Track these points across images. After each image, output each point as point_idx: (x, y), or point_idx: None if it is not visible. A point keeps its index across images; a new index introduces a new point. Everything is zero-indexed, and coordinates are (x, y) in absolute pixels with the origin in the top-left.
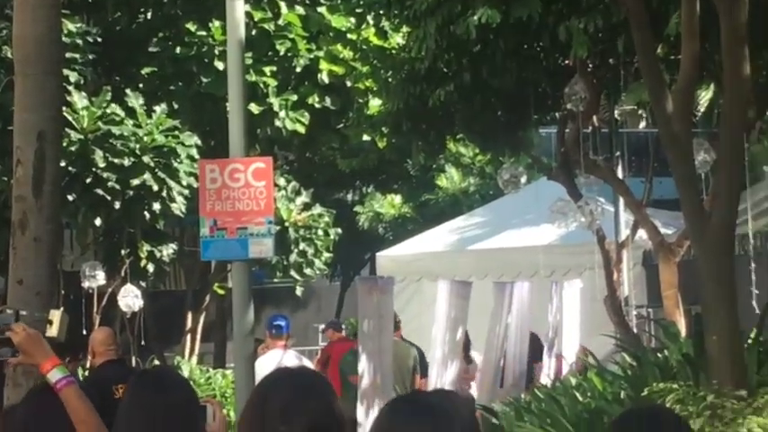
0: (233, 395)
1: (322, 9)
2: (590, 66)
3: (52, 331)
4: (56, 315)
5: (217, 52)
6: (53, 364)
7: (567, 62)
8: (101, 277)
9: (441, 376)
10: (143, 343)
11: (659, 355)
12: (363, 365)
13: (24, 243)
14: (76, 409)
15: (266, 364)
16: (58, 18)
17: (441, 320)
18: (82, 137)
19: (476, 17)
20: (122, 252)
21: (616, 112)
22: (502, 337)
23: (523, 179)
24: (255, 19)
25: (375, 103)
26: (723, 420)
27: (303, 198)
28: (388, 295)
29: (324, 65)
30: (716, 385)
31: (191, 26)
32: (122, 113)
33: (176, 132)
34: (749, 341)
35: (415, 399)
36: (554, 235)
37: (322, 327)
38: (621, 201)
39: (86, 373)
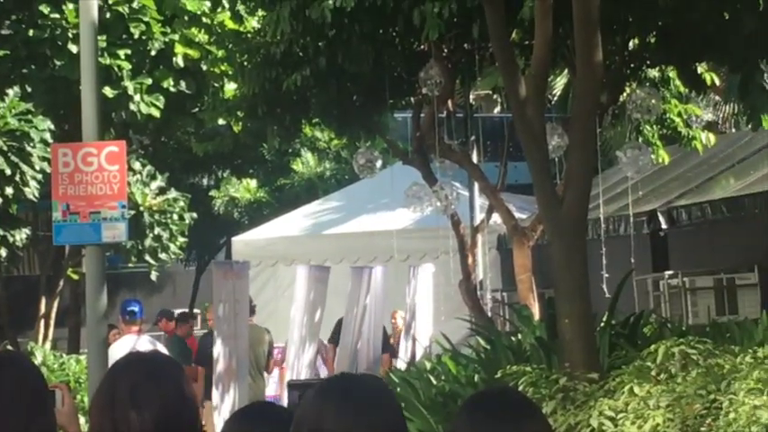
0: (87, 381)
1: None
2: (445, 50)
3: None
4: None
5: (70, 35)
6: None
7: (422, 47)
8: None
9: (298, 358)
10: None
11: (513, 338)
12: (219, 349)
13: None
14: None
15: (120, 349)
16: None
17: (299, 304)
18: None
19: (330, 1)
20: None
21: (471, 96)
22: (359, 321)
23: (379, 164)
24: (110, 1)
25: (231, 87)
26: (575, 403)
27: (158, 182)
28: (244, 280)
29: (179, 48)
30: (568, 368)
31: (44, 8)
32: None
33: (29, 116)
34: (601, 325)
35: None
36: (409, 219)
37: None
38: (476, 185)
39: None
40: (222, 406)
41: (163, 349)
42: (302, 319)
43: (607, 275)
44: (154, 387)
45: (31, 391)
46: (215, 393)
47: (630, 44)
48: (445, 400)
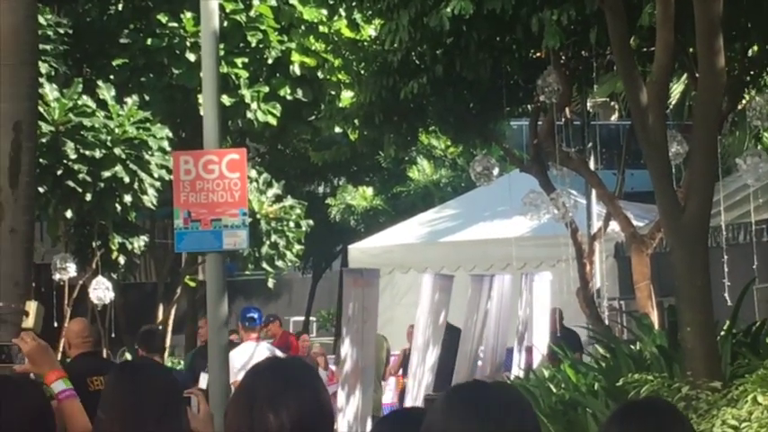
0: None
1: (294, 1)
2: (563, 58)
3: (28, 322)
4: (32, 306)
5: (188, 44)
6: (58, 375)
7: (539, 54)
8: (72, 269)
9: (421, 363)
10: (113, 335)
11: (632, 346)
12: (346, 350)
13: (1, 234)
14: (76, 420)
15: (240, 356)
16: (35, 7)
17: (423, 309)
18: (53, 129)
19: (449, 9)
20: (93, 244)
21: (588, 103)
22: (480, 328)
23: (496, 171)
24: (227, 10)
25: (347, 96)
26: (698, 412)
27: (275, 190)
28: (374, 288)
29: (295, 57)
30: (690, 377)
31: (162, 17)
32: (94, 105)
33: (147, 124)
34: (722, 333)
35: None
36: (526, 227)
37: (294, 319)
38: (594, 193)
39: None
40: (347, 408)
41: (281, 356)
42: (426, 324)
43: (728, 283)
44: (292, 392)
45: (163, 395)
46: (340, 394)
47: (750, 51)
48: (565, 408)
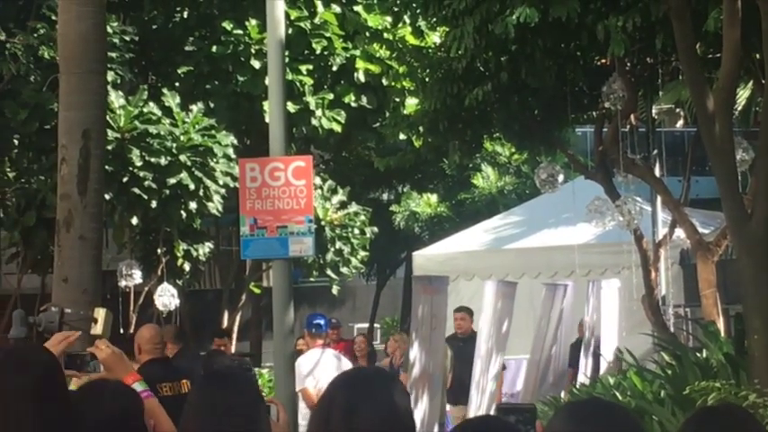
0: (269, 394)
1: (358, 8)
2: (628, 64)
3: (97, 329)
4: (100, 313)
5: (253, 51)
6: (134, 378)
7: (604, 61)
8: (137, 276)
9: (485, 372)
10: None
11: (698, 354)
12: (414, 356)
13: (69, 241)
14: (159, 419)
15: (306, 362)
16: (103, 16)
17: (486, 317)
18: (119, 136)
19: (514, 16)
20: (159, 251)
21: (654, 110)
22: (551, 337)
23: (560, 178)
24: (292, 18)
25: (412, 102)
26: (765, 420)
27: (339, 197)
28: (442, 295)
29: (360, 64)
30: (757, 384)
31: (227, 25)
32: (159, 112)
33: (213, 131)
34: None
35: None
36: (591, 234)
37: (358, 326)
38: (659, 200)
39: None
40: (415, 411)
41: (348, 364)
42: (489, 332)
43: None
44: (370, 401)
45: (250, 404)
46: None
47: None
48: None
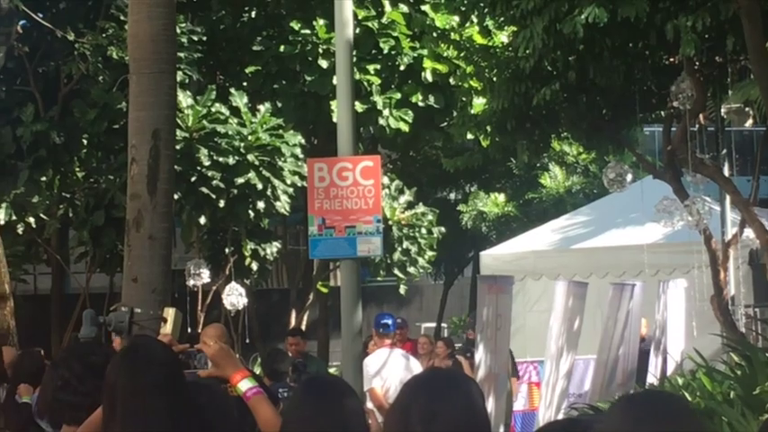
0: None
1: (425, 7)
2: (696, 64)
3: (167, 329)
4: (170, 313)
5: (321, 51)
6: (243, 375)
7: (672, 60)
8: (205, 275)
9: (555, 370)
10: (247, 341)
11: None
12: (480, 357)
13: (139, 241)
14: (265, 416)
15: (374, 362)
16: (173, 16)
17: (557, 315)
18: (187, 135)
19: (583, 16)
20: (227, 250)
21: (723, 110)
22: (618, 337)
23: (629, 178)
24: (360, 17)
25: (479, 102)
26: None
27: (407, 197)
28: (507, 294)
29: (428, 63)
30: None
31: (295, 24)
32: (227, 112)
33: (280, 131)
34: None
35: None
36: (659, 234)
37: (425, 325)
38: (728, 199)
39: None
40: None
41: (416, 363)
42: (559, 330)
43: None
44: (446, 403)
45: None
46: None
47: None
48: (701, 416)
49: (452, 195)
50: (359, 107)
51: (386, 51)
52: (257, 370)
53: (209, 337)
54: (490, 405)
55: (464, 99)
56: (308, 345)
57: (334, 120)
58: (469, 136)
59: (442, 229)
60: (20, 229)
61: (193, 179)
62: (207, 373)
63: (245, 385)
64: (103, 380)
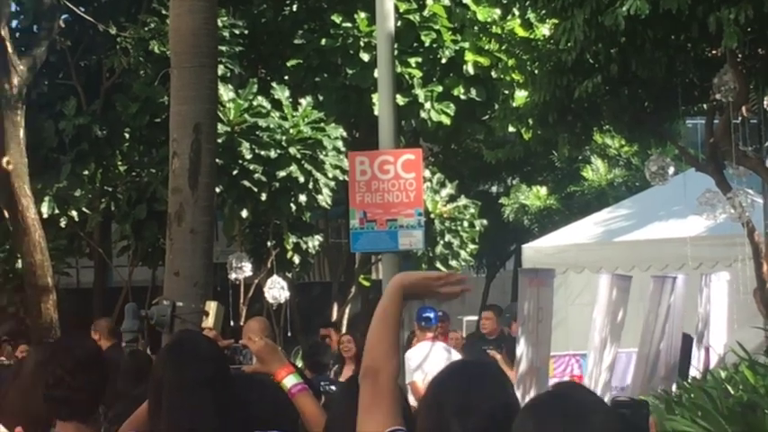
0: None
1: (467, 0)
2: (739, 56)
3: (208, 322)
4: (212, 306)
5: (362, 44)
6: (288, 371)
7: (715, 52)
8: (247, 269)
9: (598, 363)
10: (289, 334)
11: None
12: (522, 350)
13: (181, 234)
14: (310, 411)
15: (415, 356)
16: (214, 10)
17: (601, 309)
18: (228, 129)
19: (624, 8)
20: (268, 244)
21: (765, 102)
22: (660, 331)
23: (671, 170)
24: (401, 10)
25: (521, 95)
26: None
27: (448, 190)
28: (549, 287)
29: (469, 56)
30: None
31: (336, 18)
32: (268, 106)
33: (322, 124)
34: None
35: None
36: (702, 227)
37: (467, 318)
38: None
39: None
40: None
41: (457, 356)
42: (603, 322)
43: None
44: (479, 394)
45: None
46: (516, 395)
47: None
48: (744, 410)
49: (494, 188)
50: (400, 100)
51: (427, 44)
52: (299, 363)
53: (253, 332)
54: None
55: (506, 92)
56: None
57: (376, 113)
58: (511, 129)
59: (484, 221)
60: (62, 223)
61: (235, 172)
62: (252, 369)
63: (290, 381)
64: (91, 374)
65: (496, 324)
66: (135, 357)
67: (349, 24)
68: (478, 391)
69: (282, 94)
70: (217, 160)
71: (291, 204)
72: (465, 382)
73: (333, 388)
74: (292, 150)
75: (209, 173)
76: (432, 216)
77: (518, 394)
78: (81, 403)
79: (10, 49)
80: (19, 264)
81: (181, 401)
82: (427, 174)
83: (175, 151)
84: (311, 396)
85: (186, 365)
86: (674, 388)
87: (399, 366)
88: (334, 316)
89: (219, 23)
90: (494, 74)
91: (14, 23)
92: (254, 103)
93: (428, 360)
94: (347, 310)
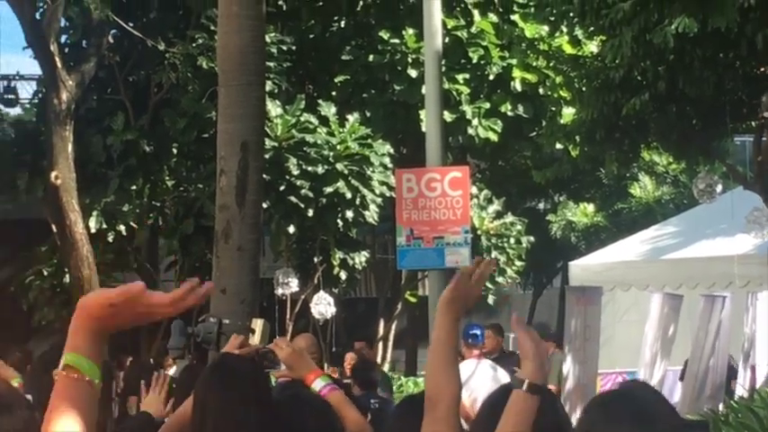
0: None
1: (515, 17)
2: None
3: (255, 340)
4: (258, 324)
5: (410, 60)
6: (316, 374)
7: (763, 70)
8: (294, 284)
9: (648, 378)
10: (334, 350)
11: None
12: (568, 367)
13: (228, 252)
14: (350, 416)
15: (461, 373)
16: (262, 28)
17: (652, 325)
18: (276, 145)
19: (673, 26)
20: (315, 259)
21: None
22: (709, 349)
23: (719, 188)
24: (449, 27)
25: (568, 112)
26: None
27: (495, 206)
28: (596, 306)
29: (517, 73)
30: None
31: (384, 34)
32: (316, 122)
33: (369, 140)
34: None
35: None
36: (749, 245)
37: (513, 336)
38: None
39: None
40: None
41: (504, 374)
42: (654, 336)
43: None
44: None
45: None
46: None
47: None
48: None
49: (541, 205)
50: (448, 117)
51: (475, 61)
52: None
53: (283, 341)
54: (578, 416)
55: (553, 109)
56: (396, 354)
57: (423, 129)
58: (558, 146)
59: (531, 238)
60: (110, 238)
61: (282, 188)
62: (281, 374)
63: (318, 384)
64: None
65: (496, 342)
66: (191, 371)
67: (397, 40)
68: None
69: (330, 110)
70: (264, 176)
71: (338, 220)
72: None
73: (378, 405)
74: (339, 166)
75: (256, 190)
76: (478, 232)
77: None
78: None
79: (59, 65)
80: (67, 278)
81: (225, 422)
82: (474, 190)
83: (223, 169)
84: (344, 397)
85: (229, 384)
86: (720, 407)
87: (458, 396)
88: (381, 331)
89: (267, 39)
90: (541, 90)
91: (63, 39)
92: (302, 119)
93: (474, 377)
94: (393, 326)
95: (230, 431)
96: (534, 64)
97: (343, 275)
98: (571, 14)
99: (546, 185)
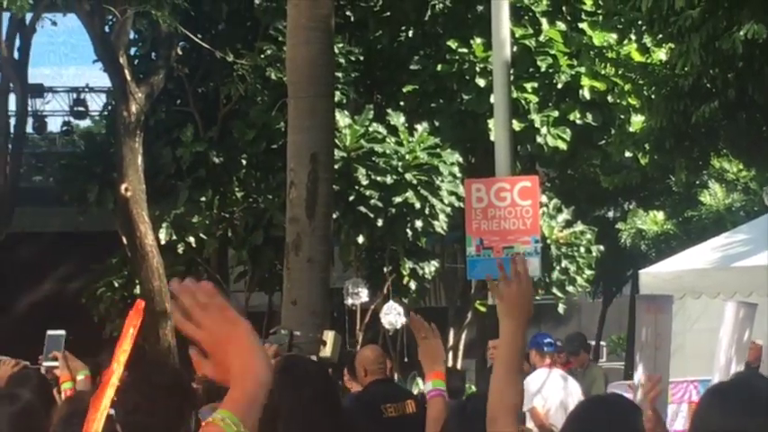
0: None
1: (583, 25)
2: None
3: (326, 352)
4: (329, 336)
5: (478, 69)
6: (437, 376)
7: None
8: (364, 294)
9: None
10: (406, 360)
11: None
12: (639, 376)
13: (298, 264)
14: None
15: (534, 382)
16: (330, 40)
17: (726, 332)
18: (345, 155)
19: (742, 32)
20: (385, 269)
21: None
22: None
23: None
24: (517, 36)
25: (637, 120)
26: None
27: (565, 215)
28: (667, 314)
29: (585, 81)
30: None
31: (452, 43)
32: (384, 131)
33: (438, 150)
34: None
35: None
36: None
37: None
38: None
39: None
40: None
41: (574, 384)
42: (729, 342)
43: None
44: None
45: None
46: None
47: None
48: None
49: (611, 213)
50: (516, 125)
51: (543, 69)
52: (415, 390)
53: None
54: None
55: (622, 117)
56: (466, 363)
57: (492, 138)
58: (627, 154)
59: (601, 247)
60: (180, 249)
61: (351, 198)
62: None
63: (428, 387)
64: (171, 400)
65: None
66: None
67: (465, 50)
68: (619, 423)
69: (398, 119)
70: (333, 186)
71: (407, 230)
72: (603, 414)
73: None
74: (408, 176)
75: (326, 202)
76: (548, 242)
77: None
78: (158, 430)
79: (128, 77)
80: (137, 289)
81: (296, 422)
82: (543, 199)
83: (293, 181)
84: (444, 404)
85: (299, 384)
86: None
87: (516, 414)
88: (451, 341)
89: (336, 50)
90: (610, 99)
91: (133, 51)
92: (371, 129)
93: (546, 386)
94: (463, 336)
95: (301, 428)
96: (603, 72)
97: (412, 285)
98: (639, 22)
99: (615, 193)
